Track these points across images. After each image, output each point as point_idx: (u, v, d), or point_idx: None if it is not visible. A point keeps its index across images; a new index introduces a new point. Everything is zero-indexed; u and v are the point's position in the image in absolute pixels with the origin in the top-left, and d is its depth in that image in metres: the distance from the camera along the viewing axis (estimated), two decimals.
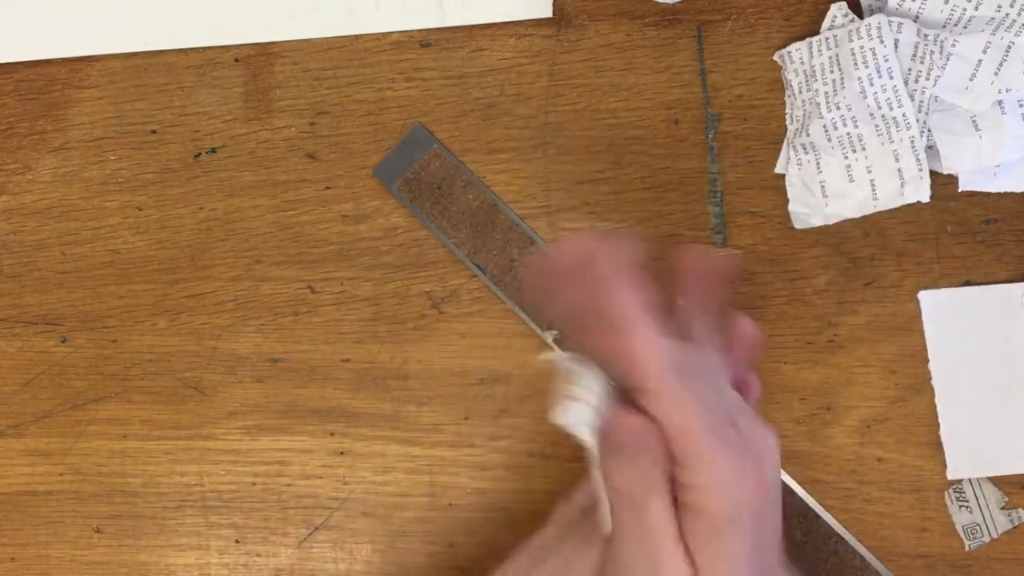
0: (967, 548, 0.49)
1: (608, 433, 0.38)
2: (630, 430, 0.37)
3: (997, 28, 0.47)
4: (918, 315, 0.50)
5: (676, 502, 0.37)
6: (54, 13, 0.55)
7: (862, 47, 0.47)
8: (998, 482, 0.49)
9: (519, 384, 0.52)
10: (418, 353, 0.52)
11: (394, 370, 0.52)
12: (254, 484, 0.53)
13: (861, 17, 0.49)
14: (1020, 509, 0.49)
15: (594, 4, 0.52)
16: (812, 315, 0.51)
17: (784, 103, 0.51)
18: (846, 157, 0.49)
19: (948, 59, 0.48)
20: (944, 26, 0.48)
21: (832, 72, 0.49)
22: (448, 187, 0.52)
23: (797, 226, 0.51)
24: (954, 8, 0.48)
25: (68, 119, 0.55)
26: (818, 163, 0.50)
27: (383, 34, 0.53)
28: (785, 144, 0.51)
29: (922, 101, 0.48)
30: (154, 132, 0.54)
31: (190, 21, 0.54)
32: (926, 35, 0.47)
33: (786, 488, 0.50)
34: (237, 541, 0.53)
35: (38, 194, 0.55)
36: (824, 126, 0.49)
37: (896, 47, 0.47)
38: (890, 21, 0.47)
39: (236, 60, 0.54)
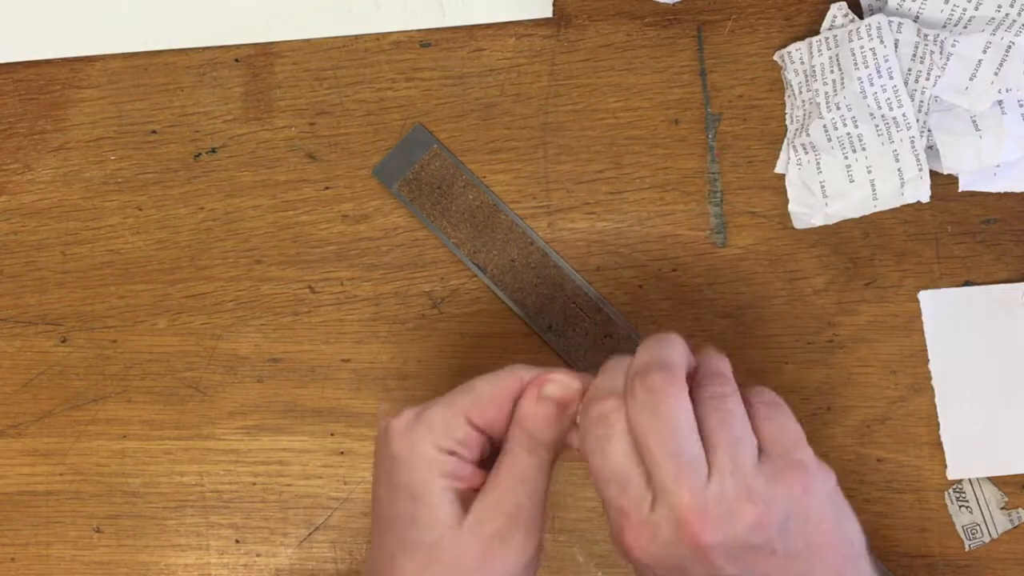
0: (967, 548, 0.49)
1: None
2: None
3: (997, 28, 0.47)
4: (918, 315, 0.50)
5: None
6: (54, 13, 0.55)
7: (862, 47, 0.47)
8: (998, 482, 0.49)
9: None
10: (418, 353, 0.52)
11: (394, 370, 0.52)
12: (254, 484, 0.53)
13: (861, 17, 0.49)
14: (1020, 509, 0.49)
15: (594, 4, 0.52)
16: (812, 315, 0.50)
17: (784, 103, 0.51)
18: (846, 157, 0.49)
19: (948, 59, 0.48)
20: (944, 26, 0.48)
21: (832, 72, 0.49)
22: (448, 187, 0.52)
23: (797, 226, 0.51)
24: (954, 8, 0.48)
25: (68, 119, 0.55)
26: (818, 163, 0.50)
27: (383, 34, 0.53)
28: (785, 144, 0.51)
29: (922, 101, 0.48)
30: (154, 132, 0.54)
31: (190, 21, 0.54)
32: (926, 35, 0.47)
33: None
34: (237, 541, 0.53)
35: (38, 194, 0.55)
36: (824, 126, 0.49)
37: (896, 47, 0.47)
38: (890, 21, 0.47)
39: (236, 60, 0.54)
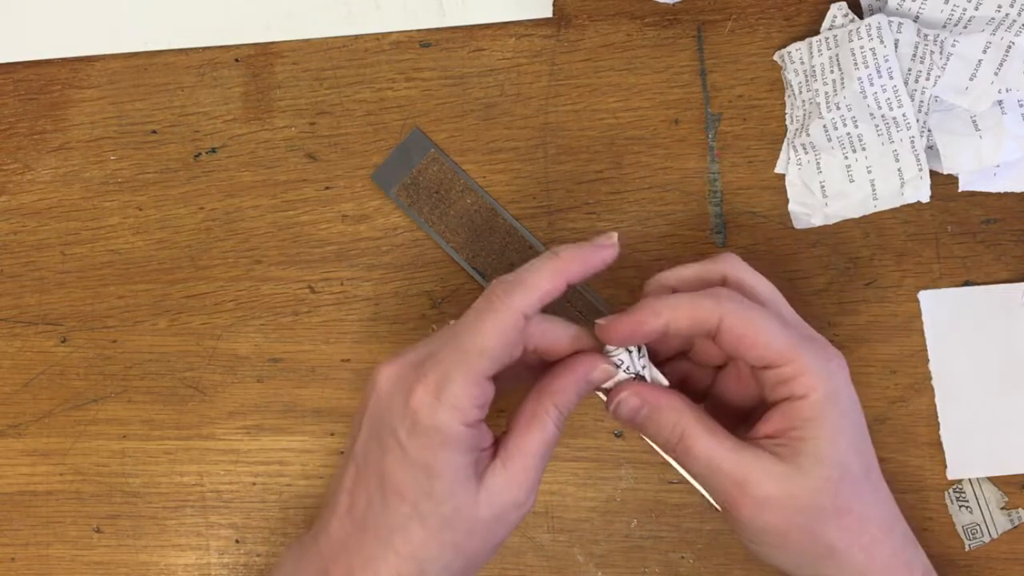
0: (967, 548, 0.49)
1: (625, 415, 0.42)
2: (633, 405, 0.42)
3: (997, 28, 0.47)
4: (918, 315, 0.50)
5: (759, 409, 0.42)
6: (54, 13, 0.55)
7: (862, 47, 0.47)
8: (998, 482, 0.49)
9: None
10: None
11: None
12: (254, 484, 0.53)
13: (861, 17, 0.49)
14: (1020, 509, 0.49)
15: (594, 4, 0.52)
16: (812, 315, 0.50)
17: (784, 103, 0.51)
18: (846, 157, 0.49)
19: (948, 59, 0.47)
20: (944, 26, 0.48)
21: (832, 72, 0.48)
22: (446, 192, 0.52)
23: (797, 226, 0.51)
24: (954, 8, 0.48)
25: (68, 119, 0.55)
26: (818, 163, 0.50)
27: (383, 34, 0.53)
28: (785, 144, 0.51)
29: (922, 101, 0.48)
30: (154, 132, 0.54)
31: (190, 21, 0.54)
32: (926, 35, 0.47)
33: None
34: (237, 541, 0.53)
35: (38, 194, 0.55)
36: (824, 126, 0.49)
37: (896, 47, 0.47)
38: (890, 21, 0.47)
39: (236, 60, 0.54)
